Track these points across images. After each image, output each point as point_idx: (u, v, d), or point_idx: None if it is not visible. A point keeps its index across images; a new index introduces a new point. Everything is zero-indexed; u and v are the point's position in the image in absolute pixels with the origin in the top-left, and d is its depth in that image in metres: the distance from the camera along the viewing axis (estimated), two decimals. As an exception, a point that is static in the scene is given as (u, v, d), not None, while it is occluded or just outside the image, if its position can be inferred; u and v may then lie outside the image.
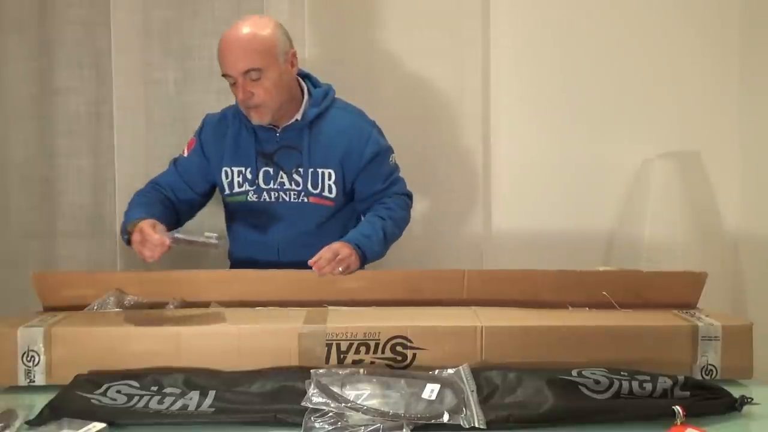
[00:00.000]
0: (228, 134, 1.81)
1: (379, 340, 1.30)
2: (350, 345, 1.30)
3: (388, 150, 1.86)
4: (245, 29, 1.67)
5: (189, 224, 1.87)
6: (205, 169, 1.84)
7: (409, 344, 1.31)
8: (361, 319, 1.36)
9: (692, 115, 2.39)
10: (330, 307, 1.48)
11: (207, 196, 1.90)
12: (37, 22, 2.22)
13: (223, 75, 1.70)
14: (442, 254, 2.40)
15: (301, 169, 1.77)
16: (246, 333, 1.34)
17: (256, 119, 1.73)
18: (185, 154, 1.86)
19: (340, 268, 1.58)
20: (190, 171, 1.84)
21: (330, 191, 1.78)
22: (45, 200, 2.26)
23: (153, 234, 1.53)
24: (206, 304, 1.54)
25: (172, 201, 1.82)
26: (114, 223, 2.25)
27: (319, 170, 1.77)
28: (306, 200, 1.79)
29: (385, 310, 1.48)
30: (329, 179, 1.78)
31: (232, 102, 1.81)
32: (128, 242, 1.63)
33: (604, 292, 1.49)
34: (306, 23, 2.29)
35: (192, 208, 1.87)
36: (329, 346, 1.30)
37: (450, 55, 2.36)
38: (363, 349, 1.30)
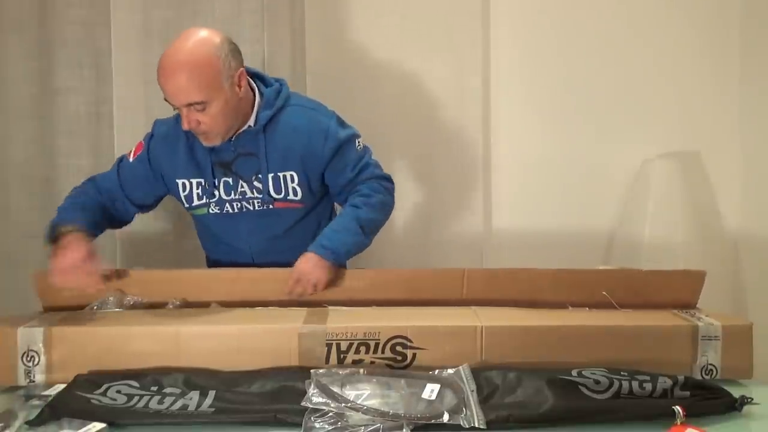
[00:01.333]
0: (180, 144, 1.69)
1: (379, 340, 1.30)
2: (350, 345, 1.30)
3: (351, 138, 1.72)
4: (185, 57, 1.52)
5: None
6: (150, 182, 1.72)
7: (409, 344, 1.31)
8: (361, 319, 1.36)
9: (692, 115, 2.39)
10: (330, 307, 1.48)
11: (146, 208, 1.78)
12: (37, 22, 2.21)
13: (165, 100, 1.57)
14: (442, 254, 2.40)
15: (260, 176, 1.67)
16: (246, 333, 1.34)
17: (206, 143, 1.63)
18: (131, 159, 1.73)
19: (309, 290, 1.55)
20: (132, 181, 1.71)
21: (295, 194, 1.69)
22: (45, 200, 2.26)
23: (90, 267, 1.46)
24: (206, 304, 1.54)
25: (108, 208, 1.72)
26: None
27: (280, 174, 1.67)
28: (271, 207, 1.70)
29: (385, 310, 1.48)
30: (292, 182, 1.68)
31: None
32: (53, 242, 1.52)
33: (604, 292, 1.49)
34: (306, 23, 2.29)
35: (125, 218, 1.77)
36: (329, 346, 1.30)
37: (450, 55, 2.36)
38: (363, 348, 1.30)
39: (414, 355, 1.31)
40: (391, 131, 2.36)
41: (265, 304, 1.53)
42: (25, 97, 2.23)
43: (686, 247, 2.27)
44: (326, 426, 1.10)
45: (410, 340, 1.31)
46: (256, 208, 1.71)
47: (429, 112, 2.39)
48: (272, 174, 1.68)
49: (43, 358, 1.31)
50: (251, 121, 1.66)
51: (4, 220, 2.26)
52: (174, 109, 1.59)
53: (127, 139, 2.22)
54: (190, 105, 1.54)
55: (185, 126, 1.57)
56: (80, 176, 2.25)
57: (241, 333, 1.34)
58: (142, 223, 2.23)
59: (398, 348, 1.31)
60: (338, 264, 1.61)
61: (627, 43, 2.38)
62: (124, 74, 2.20)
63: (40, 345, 1.31)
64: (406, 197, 2.40)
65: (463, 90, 2.38)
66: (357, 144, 1.74)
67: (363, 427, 1.09)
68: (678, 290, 1.51)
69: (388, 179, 1.79)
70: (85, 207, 1.65)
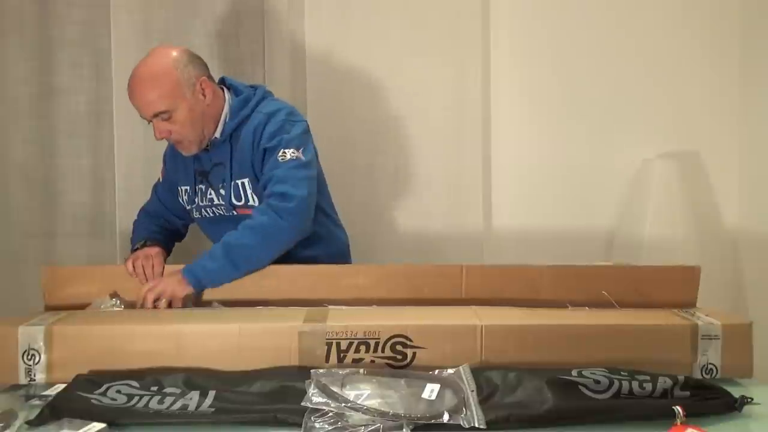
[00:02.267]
0: (179, 156, 1.80)
1: (379, 339, 1.30)
2: (350, 344, 1.30)
3: (280, 145, 1.69)
4: (144, 72, 1.65)
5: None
6: (174, 191, 1.87)
7: (409, 343, 1.31)
8: (361, 317, 1.36)
9: (692, 115, 2.40)
10: (330, 306, 1.49)
11: (189, 218, 1.90)
12: (37, 22, 2.22)
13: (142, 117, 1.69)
14: (442, 254, 2.40)
15: (225, 183, 1.74)
16: (246, 332, 1.34)
17: (185, 152, 1.74)
18: (160, 180, 1.91)
19: (159, 305, 1.55)
20: (169, 199, 1.89)
21: (254, 200, 1.73)
22: (45, 200, 2.26)
23: (157, 263, 1.65)
24: (208, 303, 1.55)
25: (165, 227, 1.89)
26: (114, 223, 2.25)
27: (239, 181, 1.73)
28: (234, 213, 1.74)
29: (385, 309, 1.48)
30: (249, 188, 1.72)
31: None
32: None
33: (604, 292, 1.50)
34: (305, 23, 2.29)
35: (181, 232, 1.93)
36: (329, 344, 1.30)
37: (450, 56, 2.36)
38: (363, 348, 1.30)
39: (414, 354, 1.31)
40: (392, 131, 2.37)
41: (265, 303, 1.53)
42: (25, 97, 2.24)
43: (686, 247, 2.27)
44: (326, 426, 1.10)
45: (410, 340, 1.31)
46: (224, 214, 1.77)
47: (429, 112, 2.39)
48: (233, 182, 1.74)
49: (43, 356, 1.31)
50: (217, 133, 1.74)
51: (4, 219, 2.26)
52: (149, 123, 1.69)
53: (127, 139, 2.23)
54: (156, 115, 1.65)
55: (157, 136, 1.69)
56: (80, 176, 2.27)
57: (241, 332, 1.34)
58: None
59: (398, 347, 1.31)
60: (200, 288, 1.58)
61: (627, 43, 2.38)
62: (124, 74, 2.19)
63: (41, 343, 1.31)
64: (406, 197, 2.40)
65: (463, 90, 2.38)
66: (281, 152, 1.68)
67: (363, 427, 1.09)
68: (675, 286, 1.52)
69: (286, 196, 1.64)
70: (150, 229, 1.84)
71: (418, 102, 2.38)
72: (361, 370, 1.24)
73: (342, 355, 1.30)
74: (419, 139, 2.39)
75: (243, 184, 1.73)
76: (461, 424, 1.11)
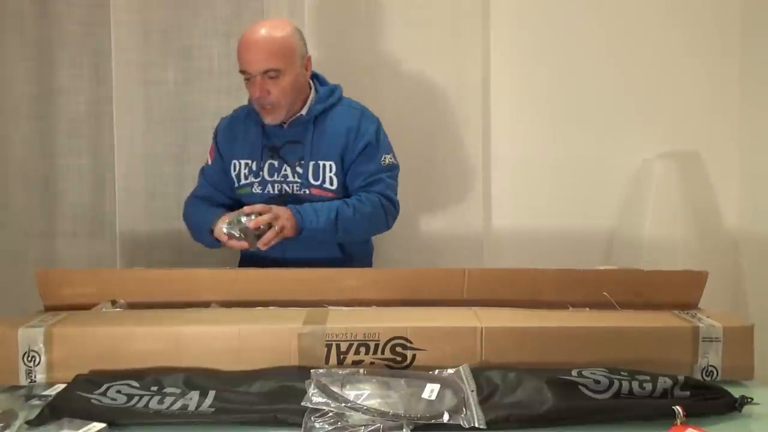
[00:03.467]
0: (239, 131, 1.89)
1: (378, 340, 1.30)
2: (350, 345, 1.30)
3: (381, 148, 1.87)
4: (269, 30, 1.74)
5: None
6: (227, 167, 1.90)
7: (408, 345, 1.31)
8: (361, 319, 1.36)
9: (692, 115, 2.40)
10: (330, 308, 1.48)
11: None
12: (37, 22, 2.22)
13: (241, 71, 1.75)
14: (442, 253, 2.41)
15: (303, 161, 1.82)
16: (246, 333, 1.34)
17: (269, 119, 1.80)
18: (210, 162, 1.94)
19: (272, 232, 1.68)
20: (220, 180, 1.92)
21: (331, 183, 1.83)
22: (45, 200, 2.26)
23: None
24: (206, 304, 1.54)
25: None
26: (114, 223, 2.25)
27: (321, 162, 1.82)
28: (307, 192, 1.83)
29: (385, 310, 1.48)
30: (330, 171, 1.82)
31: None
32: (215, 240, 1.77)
33: (605, 293, 1.49)
34: (305, 23, 2.29)
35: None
36: (329, 346, 1.30)
37: (450, 55, 2.36)
38: (363, 349, 1.30)
39: (414, 356, 1.31)
40: (392, 131, 2.35)
41: (265, 304, 1.53)
42: (25, 97, 2.24)
43: (686, 246, 2.27)
44: (326, 426, 1.10)
45: (410, 341, 1.31)
46: (295, 191, 1.84)
47: (429, 111, 2.39)
48: (313, 162, 1.83)
49: (43, 358, 1.31)
50: (303, 111, 1.84)
51: (4, 219, 2.26)
52: (246, 79, 1.75)
53: (127, 139, 2.23)
54: (267, 72, 1.73)
55: (257, 93, 1.74)
56: (80, 176, 2.27)
57: (241, 333, 1.33)
58: (142, 223, 2.24)
59: (398, 349, 1.30)
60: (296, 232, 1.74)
61: (627, 43, 2.38)
62: (124, 74, 2.21)
63: (41, 345, 1.31)
64: (407, 197, 2.39)
65: (463, 90, 2.38)
66: (383, 158, 1.86)
67: (363, 427, 1.09)
68: (680, 290, 1.51)
69: (393, 202, 1.88)
70: (208, 209, 1.85)
71: (417, 102, 2.38)
72: (361, 371, 1.24)
73: (342, 356, 1.30)
74: (419, 139, 2.39)
75: (325, 166, 1.82)
76: (461, 424, 1.11)
